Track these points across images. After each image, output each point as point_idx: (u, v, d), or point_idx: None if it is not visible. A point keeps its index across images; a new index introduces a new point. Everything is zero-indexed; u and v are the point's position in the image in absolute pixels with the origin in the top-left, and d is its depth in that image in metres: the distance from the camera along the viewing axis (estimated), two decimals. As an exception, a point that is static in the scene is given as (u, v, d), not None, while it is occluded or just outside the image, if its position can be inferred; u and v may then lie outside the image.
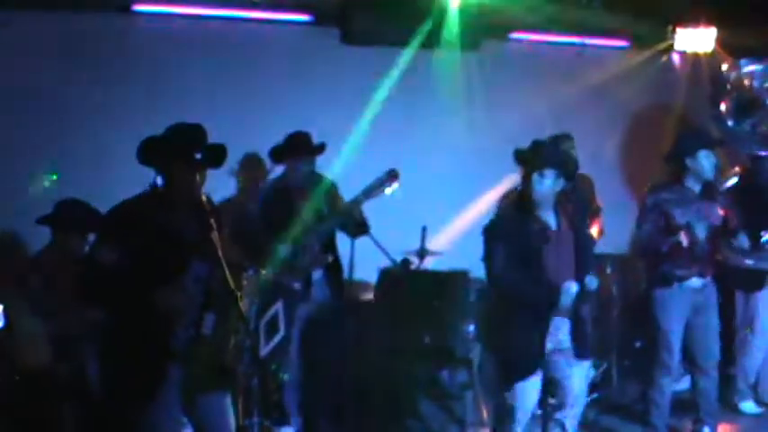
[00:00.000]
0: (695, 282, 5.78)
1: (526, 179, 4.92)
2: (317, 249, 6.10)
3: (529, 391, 4.90)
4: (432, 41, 7.25)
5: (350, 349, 6.40)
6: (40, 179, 6.28)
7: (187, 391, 4.17)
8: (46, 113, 6.25)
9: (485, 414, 6.23)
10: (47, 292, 5.34)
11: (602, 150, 8.05)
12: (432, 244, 6.76)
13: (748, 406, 6.66)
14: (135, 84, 6.48)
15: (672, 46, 8.15)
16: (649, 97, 8.37)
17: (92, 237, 5.20)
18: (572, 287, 4.80)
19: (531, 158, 4.91)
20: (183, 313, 4.07)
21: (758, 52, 7.44)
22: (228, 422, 4.35)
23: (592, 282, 5.01)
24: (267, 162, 6.60)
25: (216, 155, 4.23)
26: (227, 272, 4.01)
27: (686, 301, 5.79)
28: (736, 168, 6.85)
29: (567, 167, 4.95)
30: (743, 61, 7.41)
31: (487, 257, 4.98)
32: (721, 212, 5.83)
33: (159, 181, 4.17)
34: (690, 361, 5.99)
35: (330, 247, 6.25)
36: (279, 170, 6.58)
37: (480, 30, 7.38)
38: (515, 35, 7.80)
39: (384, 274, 6.77)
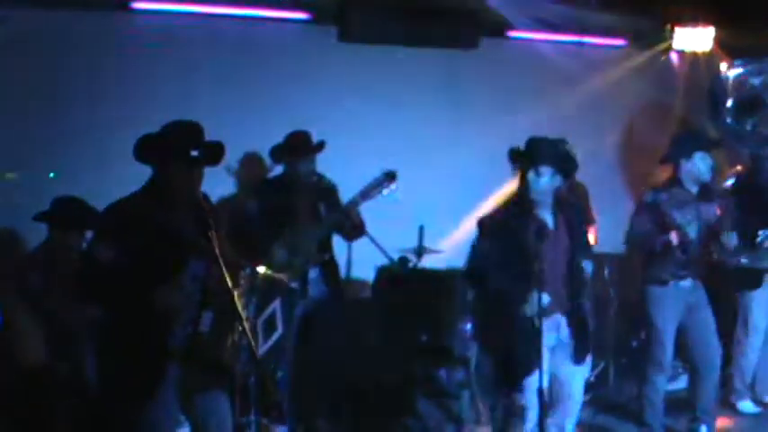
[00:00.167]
0: (688, 282, 5.81)
1: (522, 177, 4.90)
2: (313, 248, 6.10)
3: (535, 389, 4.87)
4: (430, 40, 7.26)
5: (347, 347, 6.40)
6: (39, 177, 6.28)
7: (185, 389, 4.17)
8: (44, 111, 6.24)
9: (482, 412, 6.23)
10: (44, 289, 5.34)
11: (601, 149, 8.05)
12: (429, 242, 6.76)
13: (746, 405, 6.68)
14: (133, 82, 6.48)
15: (670, 45, 8.15)
16: (647, 96, 8.37)
17: (89, 234, 5.19)
18: (541, 298, 4.65)
19: (526, 156, 4.87)
20: (180, 311, 4.07)
21: (756, 52, 7.45)
22: (226, 420, 4.36)
23: (588, 265, 4.97)
24: (267, 161, 6.61)
25: (213, 152, 4.22)
26: (225, 270, 4.01)
27: (680, 300, 5.81)
28: (738, 167, 6.85)
29: (564, 164, 4.92)
30: (738, 61, 7.42)
31: (472, 248, 4.98)
32: (718, 213, 5.84)
33: (156, 178, 4.17)
34: (691, 360, 5.99)
35: (326, 246, 6.25)
36: (279, 169, 6.59)
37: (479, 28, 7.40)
38: (514, 34, 7.80)
39: (381, 273, 6.77)
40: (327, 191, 6.27)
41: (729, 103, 7.44)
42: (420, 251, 6.69)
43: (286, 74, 6.99)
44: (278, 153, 6.26)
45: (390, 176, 6.01)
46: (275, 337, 5.68)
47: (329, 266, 6.24)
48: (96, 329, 4.31)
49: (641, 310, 5.96)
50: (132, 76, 6.48)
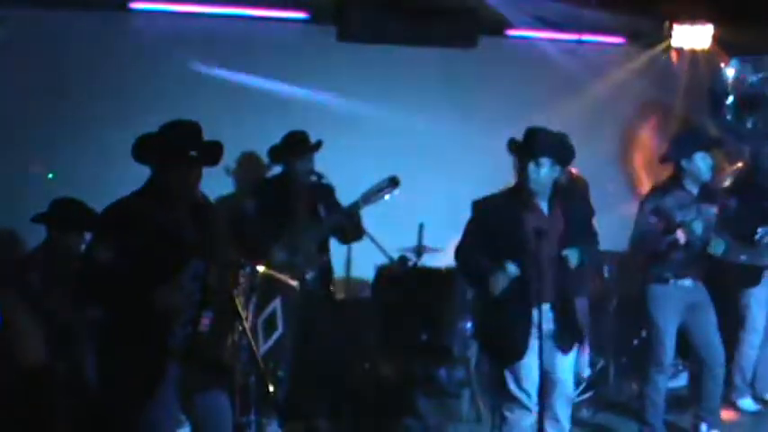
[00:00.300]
0: (688, 281, 5.82)
1: (521, 169, 4.86)
2: (313, 249, 6.11)
3: (532, 379, 4.84)
4: (429, 39, 7.25)
5: (347, 347, 6.41)
6: (38, 178, 6.28)
7: (185, 388, 4.17)
8: (43, 111, 6.24)
9: (482, 411, 6.23)
10: (44, 289, 5.33)
11: (600, 147, 8.04)
12: (429, 241, 6.76)
13: (746, 403, 6.68)
14: (132, 82, 6.47)
15: (669, 43, 8.15)
16: (647, 94, 8.36)
17: (88, 235, 5.19)
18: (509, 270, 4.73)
19: (525, 147, 4.85)
20: (180, 311, 4.07)
21: (755, 49, 7.45)
22: (226, 420, 4.36)
23: (572, 254, 4.85)
24: (265, 161, 6.60)
25: (212, 152, 4.23)
26: (225, 270, 4.01)
27: (681, 299, 5.81)
28: (739, 164, 6.84)
29: (562, 154, 4.92)
30: (736, 59, 7.42)
31: (465, 228, 4.98)
32: (716, 212, 5.84)
33: (155, 179, 4.17)
34: (694, 359, 5.99)
35: (324, 247, 6.26)
36: (277, 169, 6.59)
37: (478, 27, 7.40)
38: (513, 33, 7.80)
39: (381, 272, 6.77)
40: (326, 191, 6.28)
41: (729, 100, 7.43)
42: (420, 250, 6.69)
43: (285, 73, 6.99)
44: (276, 153, 6.26)
45: (394, 182, 6.04)
46: (276, 336, 5.67)
47: (325, 268, 6.25)
48: (96, 329, 4.31)
49: (642, 308, 5.95)
50: (131, 76, 6.48)
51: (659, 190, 5.87)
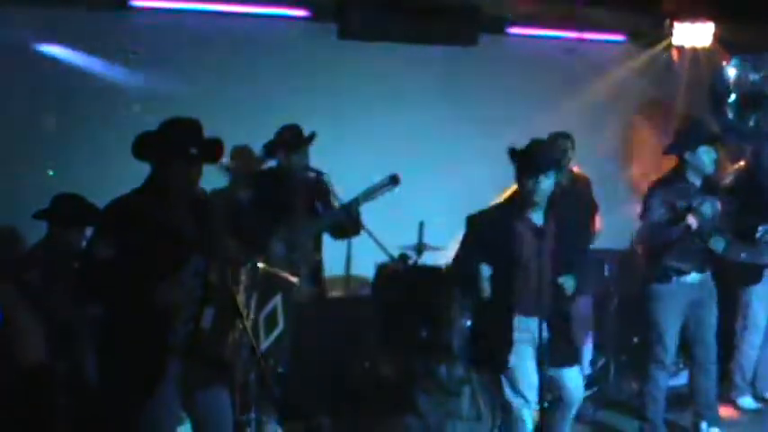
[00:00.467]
0: (693, 277, 5.81)
1: (525, 181, 4.80)
2: (310, 245, 6.11)
3: (529, 382, 4.86)
4: (429, 37, 7.25)
5: (346, 344, 6.41)
6: (38, 175, 6.28)
7: (186, 386, 4.17)
8: (42, 109, 6.24)
9: (482, 409, 6.23)
10: (44, 287, 5.33)
11: (601, 145, 8.04)
12: (429, 239, 6.76)
13: (746, 401, 6.68)
14: (132, 79, 6.47)
15: (670, 41, 8.14)
16: (648, 92, 8.37)
17: (89, 231, 5.19)
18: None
19: (528, 162, 4.78)
20: (181, 308, 4.07)
21: (755, 47, 7.43)
22: (227, 418, 4.36)
23: (567, 281, 4.84)
24: (258, 154, 6.59)
25: (212, 149, 4.23)
26: (225, 265, 4.00)
27: (683, 297, 5.80)
28: (741, 162, 6.84)
29: (563, 161, 4.92)
30: (737, 57, 7.41)
31: (460, 243, 4.98)
32: (719, 206, 5.84)
33: (155, 176, 4.17)
34: (688, 356, 6.00)
35: (319, 245, 6.26)
36: (272, 162, 6.57)
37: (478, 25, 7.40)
38: (513, 31, 7.80)
39: (381, 270, 6.77)
40: (324, 188, 6.25)
41: (731, 99, 7.42)
42: (420, 248, 6.69)
43: (285, 71, 6.98)
44: (270, 147, 6.25)
45: (394, 180, 6.05)
46: (276, 332, 5.67)
47: (317, 267, 6.25)
48: (97, 327, 4.31)
49: (643, 306, 5.94)
50: (131, 73, 6.47)
51: (663, 182, 5.87)
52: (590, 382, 6.81)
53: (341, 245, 6.45)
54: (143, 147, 4.14)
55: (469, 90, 7.57)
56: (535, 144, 4.87)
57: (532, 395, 4.84)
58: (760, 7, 7.35)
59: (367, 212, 6.17)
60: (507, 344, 4.82)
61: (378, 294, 6.83)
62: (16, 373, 5.12)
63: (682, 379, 6.42)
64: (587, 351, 6.91)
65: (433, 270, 6.61)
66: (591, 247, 6.64)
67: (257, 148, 6.53)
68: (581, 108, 7.78)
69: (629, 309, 6.97)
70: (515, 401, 4.86)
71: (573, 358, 4.99)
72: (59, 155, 6.35)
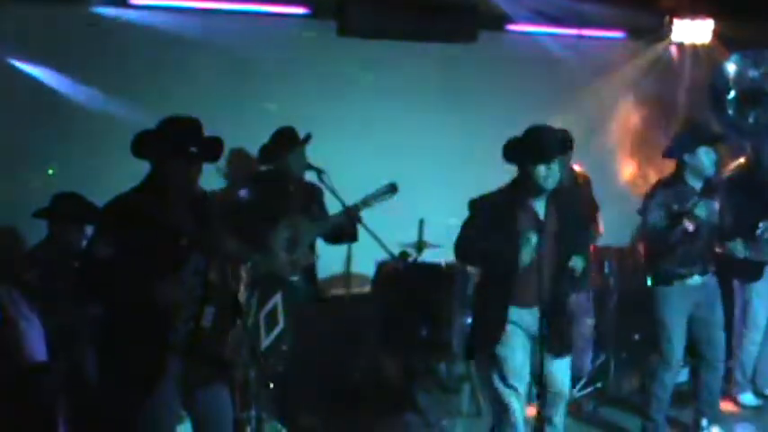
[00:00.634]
0: (696, 279, 5.80)
1: (534, 168, 4.73)
2: (307, 246, 6.11)
3: (519, 375, 4.86)
4: (429, 34, 7.24)
5: (345, 343, 6.41)
6: (37, 174, 6.28)
7: (187, 384, 4.17)
8: (42, 107, 6.23)
9: (482, 406, 6.23)
10: (44, 286, 5.33)
11: (600, 142, 8.04)
12: (429, 237, 6.75)
13: (747, 398, 6.69)
14: (131, 78, 6.46)
15: (669, 37, 8.14)
16: (647, 89, 8.36)
17: (89, 230, 5.19)
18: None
19: (534, 150, 4.73)
20: (181, 307, 4.07)
21: (755, 44, 7.44)
22: (227, 416, 4.36)
23: (577, 262, 4.91)
24: (254, 156, 6.58)
25: (212, 148, 4.22)
26: (226, 264, 4.00)
27: (688, 298, 5.79)
28: (741, 160, 6.84)
29: (568, 146, 4.87)
30: (736, 54, 7.41)
31: (462, 227, 4.93)
32: (717, 208, 5.84)
33: (154, 174, 4.16)
34: (694, 354, 5.99)
35: (313, 248, 6.25)
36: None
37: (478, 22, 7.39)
38: (513, 28, 7.79)
39: (381, 267, 6.77)
40: (318, 192, 6.21)
41: (730, 96, 7.42)
42: (420, 246, 6.69)
43: (284, 68, 6.97)
44: (265, 151, 6.23)
45: (393, 188, 6.05)
46: (277, 331, 5.67)
47: (311, 266, 6.24)
48: (97, 326, 4.31)
49: (644, 304, 5.94)
50: (130, 72, 6.46)
51: (662, 185, 5.86)
52: (590, 379, 6.82)
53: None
54: (142, 145, 4.14)
55: (469, 87, 7.56)
56: (541, 130, 4.82)
57: (522, 386, 4.85)
58: (759, 4, 7.35)
59: (367, 210, 6.16)
60: (499, 331, 4.81)
61: (378, 292, 6.83)
62: (16, 372, 5.11)
63: (682, 376, 6.42)
64: (587, 349, 6.91)
65: (434, 268, 6.61)
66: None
67: (256, 147, 6.52)
68: (580, 105, 7.77)
69: (628, 305, 6.97)
70: (505, 392, 4.85)
71: (564, 351, 4.96)
72: (59, 154, 6.34)
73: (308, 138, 6.14)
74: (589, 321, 6.89)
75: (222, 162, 6.57)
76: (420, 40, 7.27)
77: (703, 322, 5.84)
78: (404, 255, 6.62)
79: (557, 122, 6.51)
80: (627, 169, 8.38)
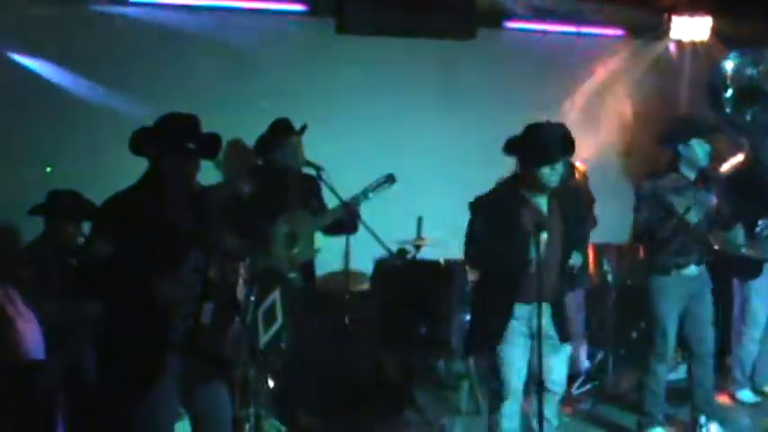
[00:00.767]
0: (692, 269, 5.80)
1: (538, 168, 4.72)
2: (308, 241, 6.10)
3: (513, 371, 4.86)
4: (427, 31, 7.24)
5: (344, 340, 6.40)
6: (34, 170, 6.27)
7: (186, 382, 4.16)
8: (40, 105, 6.22)
9: (481, 403, 6.23)
10: (42, 284, 5.32)
11: (599, 139, 8.04)
12: (428, 234, 6.75)
13: (745, 395, 6.69)
14: (129, 75, 6.46)
15: (668, 35, 8.14)
16: (646, 86, 8.37)
17: (86, 226, 5.18)
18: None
19: (539, 150, 4.71)
20: (180, 305, 4.06)
21: (753, 42, 7.44)
22: (226, 413, 4.35)
23: (576, 258, 4.93)
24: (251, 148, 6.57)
25: (210, 144, 4.21)
26: (225, 260, 3.99)
27: (683, 289, 5.80)
28: (740, 156, 6.84)
29: (571, 145, 4.85)
30: (734, 51, 7.41)
31: (468, 229, 4.91)
32: (715, 200, 5.84)
33: (152, 171, 4.15)
34: (686, 349, 6.01)
35: (312, 240, 6.24)
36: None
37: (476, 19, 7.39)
38: (511, 24, 7.79)
39: (380, 265, 6.76)
40: (316, 186, 6.20)
41: (729, 93, 7.43)
42: (418, 243, 6.69)
43: (283, 66, 6.97)
44: (261, 143, 6.23)
45: (392, 179, 6.05)
46: (275, 327, 5.66)
47: (308, 262, 6.24)
48: (95, 324, 4.30)
49: (643, 299, 5.94)
50: (128, 69, 6.46)
51: (655, 175, 5.85)
52: (588, 376, 6.83)
53: (339, 240, 6.43)
54: (140, 142, 4.13)
55: (467, 84, 7.56)
56: (544, 130, 4.79)
57: (519, 381, 4.86)
58: (758, 1, 7.35)
59: (365, 207, 6.16)
60: (503, 328, 4.81)
61: (376, 289, 6.83)
62: (14, 370, 5.10)
63: (680, 373, 6.43)
64: (581, 346, 6.92)
65: (432, 265, 6.60)
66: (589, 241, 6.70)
67: (252, 142, 6.53)
68: (579, 102, 7.78)
69: (627, 302, 6.98)
70: (503, 388, 4.86)
71: (563, 339, 4.97)
72: (56, 152, 6.33)
73: (303, 128, 6.13)
74: (581, 318, 6.91)
75: (220, 156, 6.57)
76: (418, 37, 7.27)
77: (695, 318, 5.85)
78: (402, 252, 6.62)
79: (555, 118, 6.54)
80: (626, 165, 8.38)
